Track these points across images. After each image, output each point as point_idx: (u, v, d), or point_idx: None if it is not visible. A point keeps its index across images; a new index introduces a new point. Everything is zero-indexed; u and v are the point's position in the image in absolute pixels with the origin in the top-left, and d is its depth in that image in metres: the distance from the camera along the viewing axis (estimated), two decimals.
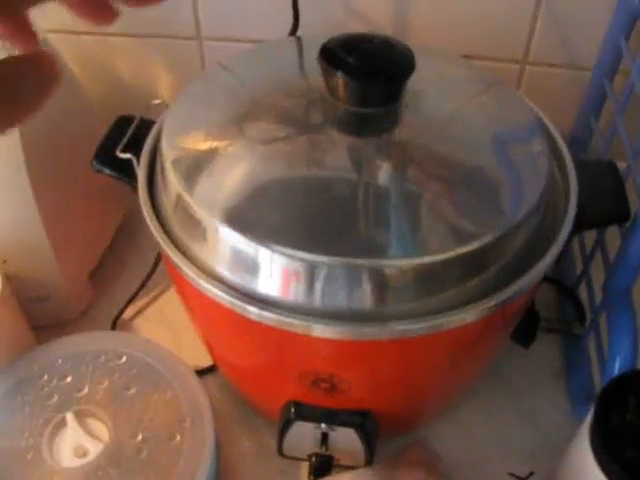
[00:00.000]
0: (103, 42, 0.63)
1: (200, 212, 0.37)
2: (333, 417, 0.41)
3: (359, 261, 0.34)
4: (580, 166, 0.43)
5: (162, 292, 0.59)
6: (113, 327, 0.56)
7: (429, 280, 0.35)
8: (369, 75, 0.38)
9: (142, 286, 0.58)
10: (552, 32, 0.55)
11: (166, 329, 0.56)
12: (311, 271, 0.34)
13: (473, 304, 0.35)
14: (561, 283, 0.56)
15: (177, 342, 0.54)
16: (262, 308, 0.35)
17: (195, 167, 0.39)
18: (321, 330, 0.34)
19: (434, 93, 0.43)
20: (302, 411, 0.42)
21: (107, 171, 0.44)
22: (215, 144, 0.40)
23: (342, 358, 0.38)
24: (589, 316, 0.52)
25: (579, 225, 0.41)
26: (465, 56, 0.57)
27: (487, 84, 0.46)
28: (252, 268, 0.35)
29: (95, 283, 0.59)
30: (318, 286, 0.34)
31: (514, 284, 0.36)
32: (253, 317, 0.35)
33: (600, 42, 0.53)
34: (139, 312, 0.58)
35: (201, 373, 0.52)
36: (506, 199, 0.38)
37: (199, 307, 0.41)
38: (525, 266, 0.37)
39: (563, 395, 0.53)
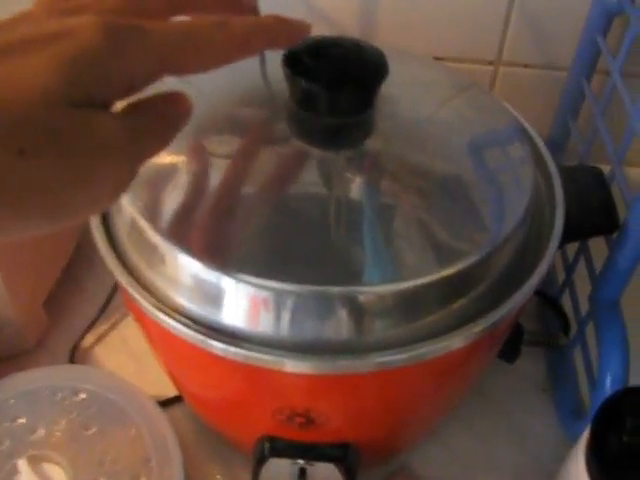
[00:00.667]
0: None
1: (156, 237, 0.33)
2: (311, 452, 0.38)
3: (333, 289, 0.31)
4: (563, 173, 0.41)
5: (123, 317, 0.55)
6: (72, 357, 0.52)
7: (410, 306, 0.32)
8: (338, 82, 0.35)
9: (101, 312, 0.54)
10: (526, 31, 0.53)
11: (128, 357, 0.52)
12: (281, 301, 0.31)
13: (459, 329, 0.33)
14: (543, 293, 0.54)
15: (140, 370, 0.50)
16: (228, 343, 0.31)
17: (150, 187, 0.35)
18: (294, 365, 0.31)
19: (407, 99, 0.41)
20: (277, 447, 0.38)
21: None
22: (172, 160, 0.36)
23: (318, 393, 0.35)
24: (574, 327, 0.50)
25: (565, 237, 0.39)
26: (436, 58, 0.55)
27: (461, 87, 0.43)
28: (216, 299, 0.32)
29: (50, 311, 0.55)
30: (289, 317, 0.31)
31: (502, 305, 0.34)
32: (218, 352, 0.32)
33: (576, 40, 0.50)
34: (99, 339, 0.55)
35: (168, 403, 0.48)
36: (490, 213, 0.36)
37: (159, 340, 0.38)
38: (512, 284, 0.35)
39: (550, 409, 0.50)
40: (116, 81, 0.22)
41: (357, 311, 0.31)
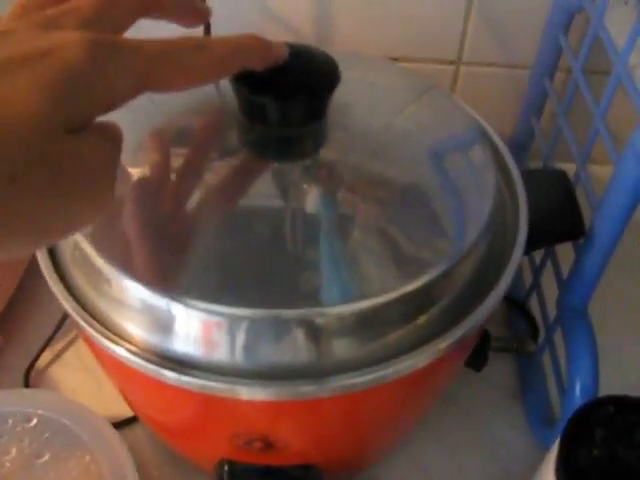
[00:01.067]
0: None
1: (99, 261, 0.31)
2: (272, 475, 0.37)
3: (288, 312, 0.29)
4: (526, 177, 0.40)
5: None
6: (27, 376, 0.50)
7: (371, 325, 0.31)
8: (287, 92, 0.33)
9: (57, 329, 0.52)
10: (487, 29, 0.52)
11: (86, 375, 0.50)
12: (233, 326, 0.29)
13: (424, 347, 0.31)
14: (510, 297, 0.53)
15: (98, 389, 0.49)
16: (180, 372, 0.30)
17: None
18: (249, 392, 0.30)
19: (362, 105, 0.39)
20: (236, 470, 0.37)
21: None
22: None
23: (276, 418, 0.33)
24: (543, 332, 0.49)
25: (529, 245, 0.38)
26: (395, 59, 0.54)
27: (420, 90, 0.42)
28: (165, 325, 0.30)
29: (4, 329, 0.53)
30: (242, 342, 0.30)
31: (468, 319, 0.32)
32: (170, 381, 0.30)
33: (538, 38, 0.49)
34: (56, 358, 0.52)
35: (127, 422, 0.47)
36: (452, 222, 0.34)
37: (110, 365, 0.36)
38: (477, 294, 0.34)
39: (520, 416, 0.49)
40: (99, 100, 0.22)
41: (315, 333, 0.30)
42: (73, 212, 0.22)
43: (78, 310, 0.32)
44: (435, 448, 0.48)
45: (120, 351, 0.31)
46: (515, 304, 0.52)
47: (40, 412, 0.42)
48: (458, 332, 0.32)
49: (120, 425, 0.46)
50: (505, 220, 0.38)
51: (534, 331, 0.50)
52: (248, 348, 0.30)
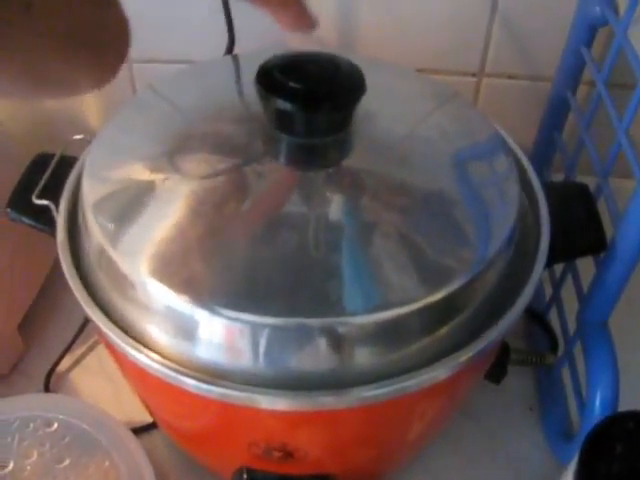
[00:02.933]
0: None
1: (125, 267, 0.32)
2: None
3: (311, 321, 0.29)
4: (547, 189, 0.40)
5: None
6: (47, 381, 0.51)
7: (393, 336, 0.31)
8: (313, 102, 0.34)
9: (78, 334, 0.52)
10: (509, 42, 0.52)
11: (106, 381, 0.51)
12: (256, 334, 0.30)
13: (444, 359, 0.31)
14: (531, 310, 0.52)
15: (118, 394, 0.49)
16: (201, 380, 0.30)
17: (120, 212, 0.34)
18: (269, 401, 0.30)
19: (386, 113, 0.39)
20: (256, 478, 0.37)
21: (24, 220, 0.39)
22: (143, 183, 0.35)
23: (296, 428, 0.33)
24: (562, 345, 0.48)
25: (550, 259, 0.37)
26: (419, 70, 0.54)
27: (443, 99, 0.42)
28: (189, 332, 0.31)
29: (26, 334, 0.53)
30: (264, 350, 0.30)
31: (489, 332, 0.32)
32: (191, 389, 0.30)
33: (560, 51, 0.49)
34: (76, 363, 0.53)
35: (147, 429, 0.47)
36: (476, 232, 0.34)
37: (131, 372, 0.36)
38: (498, 307, 0.34)
39: (538, 429, 0.49)
40: None
41: (337, 343, 0.30)
42: (78, 65, 0.22)
43: (100, 316, 0.33)
44: (451, 459, 0.47)
45: (142, 358, 0.31)
46: (535, 317, 0.52)
47: (61, 417, 0.43)
48: (479, 345, 0.32)
49: (139, 431, 0.46)
50: (526, 232, 0.38)
51: (554, 344, 0.50)
52: (270, 356, 0.30)
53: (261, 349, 0.30)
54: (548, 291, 0.52)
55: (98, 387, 0.51)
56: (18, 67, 0.21)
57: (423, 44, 0.53)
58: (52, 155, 0.41)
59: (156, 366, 0.31)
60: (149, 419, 0.47)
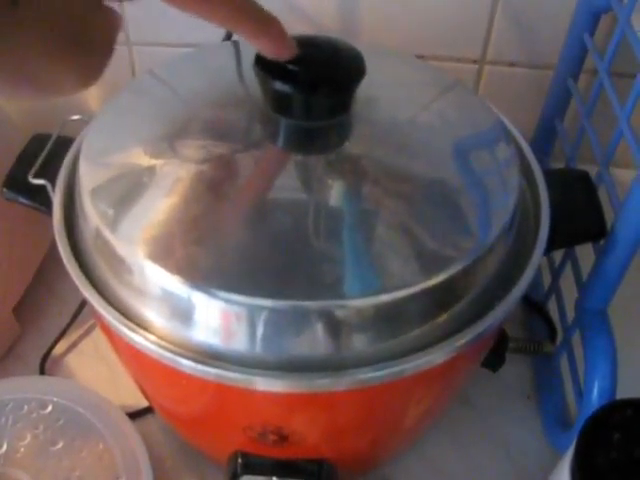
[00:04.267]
0: None
1: (122, 250, 0.32)
2: (285, 469, 0.37)
3: (308, 303, 0.29)
4: (548, 177, 0.39)
5: (96, 323, 0.53)
6: (43, 364, 0.51)
7: (391, 320, 0.30)
8: (313, 84, 0.33)
9: (74, 318, 0.52)
10: (511, 29, 0.52)
11: (101, 365, 0.51)
12: (252, 316, 0.29)
13: (441, 343, 0.31)
14: (529, 298, 0.52)
15: (113, 379, 0.49)
16: (196, 361, 0.30)
17: (117, 195, 0.34)
18: (264, 383, 0.30)
19: (387, 99, 0.39)
20: (250, 463, 0.37)
21: (21, 200, 0.39)
22: (141, 166, 0.35)
23: (290, 411, 0.33)
24: (560, 334, 0.48)
25: (550, 244, 0.37)
26: (419, 56, 0.54)
27: (444, 86, 0.42)
28: (185, 314, 0.30)
29: (21, 317, 0.53)
30: (261, 333, 0.30)
31: (486, 318, 0.32)
32: (187, 370, 0.30)
33: (563, 38, 0.49)
34: (72, 346, 0.53)
35: (142, 413, 0.47)
36: (475, 218, 0.34)
37: (126, 354, 0.36)
38: (496, 293, 0.33)
39: (535, 417, 0.49)
40: None
41: (334, 326, 0.30)
42: (63, 65, 0.22)
43: (96, 297, 0.32)
44: (448, 448, 0.47)
45: (137, 338, 0.31)
46: (533, 305, 0.52)
47: (55, 399, 0.42)
48: (476, 330, 0.32)
49: (134, 415, 0.46)
50: (526, 219, 0.38)
51: (552, 333, 0.50)
52: (266, 338, 0.30)
53: (257, 332, 0.30)
54: (547, 280, 0.52)
55: (94, 371, 0.51)
56: (1, 64, 0.20)
57: (425, 30, 0.52)
58: (49, 135, 0.41)
59: (152, 347, 0.30)
60: (145, 403, 0.47)
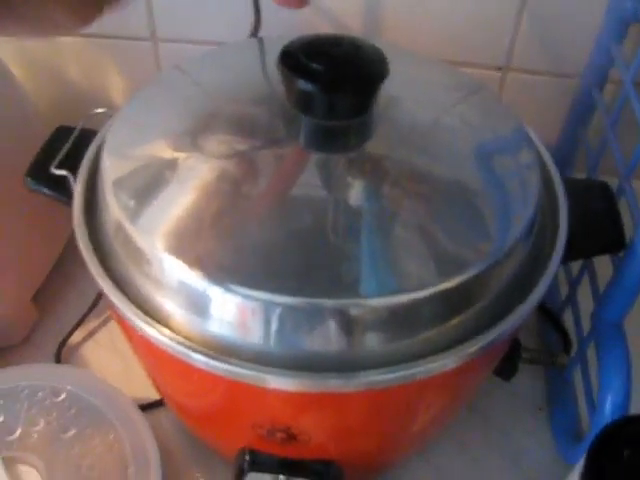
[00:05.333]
0: (50, 43, 0.58)
1: (142, 241, 0.32)
2: (292, 468, 0.37)
3: (323, 301, 0.29)
4: (568, 186, 0.39)
5: None
6: (59, 353, 0.51)
7: (404, 322, 0.30)
8: (335, 84, 0.33)
9: (91, 309, 0.53)
10: (537, 37, 0.51)
11: (116, 356, 0.51)
12: (268, 313, 0.29)
13: (454, 348, 0.31)
14: (545, 308, 0.52)
15: (127, 370, 0.49)
16: (208, 356, 0.30)
17: (139, 187, 0.34)
18: (276, 381, 0.30)
19: (411, 100, 0.39)
20: (257, 460, 0.37)
21: (42, 190, 0.39)
22: (164, 159, 0.35)
23: (300, 410, 0.33)
24: (575, 345, 0.48)
25: (568, 255, 0.37)
26: (443, 61, 0.53)
27: (468, 89, 0.41)
28: (201, 308, 0.31)
29: (40, 305, 0.54)
30: (275, 329, 0.30)
31: (499, 325, 0.32)
32: (198, 365, 0.30)
33: (589, 48, 0.49)
34: (88, 336, 0.53)
35: (153, 406, 0.47)
36: (494, 222, 0.34)
37: (140, 347, 0.36)
38: (511, 301, 0.33)
39: (546, 430, 0.49)
40: None
41: (348, 325, 0.30)
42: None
43: (111, 288, 0.33)
44: (457, 456, 0.47)
45: (151, 332, 0.31)
46: (549, 316, 0.52)
47: (69, 388, 0.43)
48: (489, 337, 0.32)
49: (146, 408, 0.46)
50: (544, 227, 0.37)
51: (567, 345, 0.49)
52: (281, 335, 0.30)
53: (272, 328, 0.30)
54: (564, 290, 0.51)
55: (108, 362, 0.51)
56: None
57: (449, 35, 0.52)
58: (73, 128, 0.41)
59: (164, 339, 0.31)
60: (157, 396, 0.47)
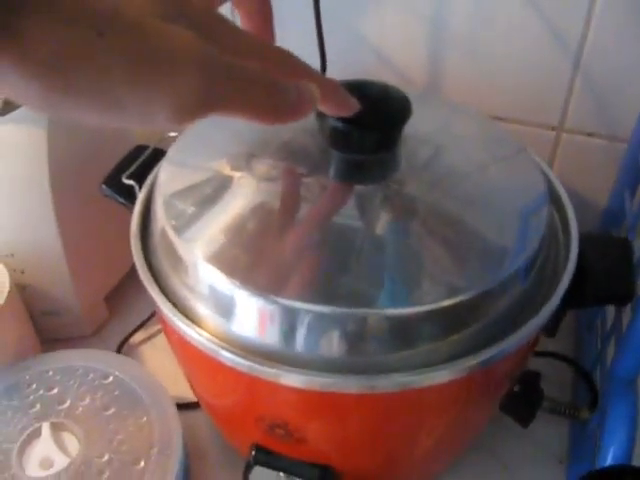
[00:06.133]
0: None
1: (181, 249, 0.37)
2: (291, 467, 0.40)
3: (344, 310, 0.33)
4: (589, 239, 0.41)
5: None
6: (120, 348, 0.58)
7: (407, 334, 0.34)
8: (361, 122, 0.38)
9: (154, 313, 0.59)
10: (590, 99, 0.53)
11: (169, 358, 0.55)
12: (289, 318, 0.34)
13: (447, 363, 0.34)
14: (577, 364, 0.52)
15: (176, 372, 0.54)
16: (212, 342, 0.34)
17: (184, 201, 0.39)
18: (268, 374, 0.34)
19: (437, 144, 0.42)
20: (262, 456, 0.40)
21: (114, 196, 0.46)
22: (212, 178, 0.40)
23: (295, 408, 0.37)
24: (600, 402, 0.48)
25: (577, 300, 0.39)
26: (499, 118, 0.56)
27: (508, 149, 0.44)
28: (230, 310, 0.35)
29: (112, 305, 0.61)
30: (280, 330, 0.34)
31: (495, 346, 0.34)
32: (199, 347, 0.35)
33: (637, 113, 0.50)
34: (149, 338, 0.59)
35: (190, 407, 0.52)
36: (495, 256, 0.37)
37: (175, 343, 0.41)
38: (512, 327, 0.36)
39: None
40: None
41: (358, 333, 0.33)
42: (144, 92, 0.23)
43: (155, 289, 0.38)
44: None
45: (189, 331, 0.36)
46: (580, 371, 0.52)
47: (117, 373, 0.48)
48: (482, 355, 0.34)
49: (183, 407, 0.51)
50: (556, 274, 0.39)
51: (593, 400, 0.49)
52: (293, 338, 0.34)
53: (289, 331, 0.34)
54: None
55: (161, 362, 0.56)
56: (86, 88, 0.22)
57: (505, 93, 0.55)
58: (148, 147, 0.48)
59: (199, 338, 0.35)
60: (194, 399, 0.52)
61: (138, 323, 0.59)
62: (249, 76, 0.26)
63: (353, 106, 0.35)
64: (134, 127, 0.25)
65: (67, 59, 0.21)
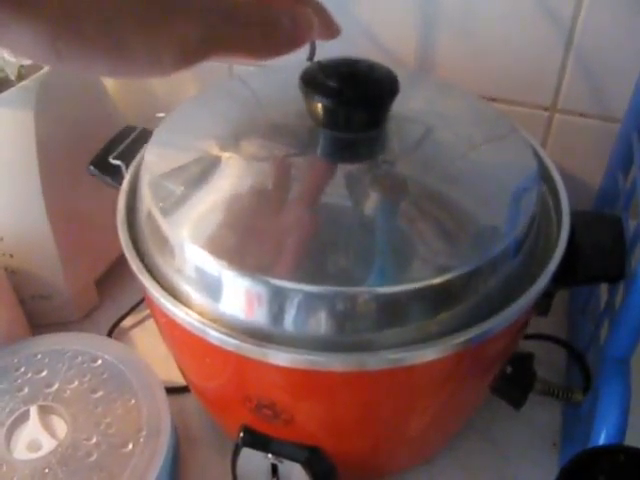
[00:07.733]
0: None
1: (166, 229, 0.36)
2: (279, 448, 0.40)
3: (320, 288, 0.33)
4: (581, 216, 0.40)
5: None
6: (110, 332, 0.57)
7: (395, 312, 0.33)
8: (347, 100, 0.37)
9: (144, 298, 0.58)
10: (583, 80, 0.52)
11: (159, 342, 0.55)
12: (277, 297, 0.33)
13: (436, 340, 0.33)
14: (570, 346, 0.52)
15: (167, 357, 0.53)
16: (196, 320, 0.34)
17: (170, 181, 0.38)
18: (255, 352, 0.33)
19: (430, 125, 0.42)
20: (250, 438, 0.40)
21: (102, 177, 0.45)
22: (195, 159, 0.40)
23: (282, 385, 0.36)
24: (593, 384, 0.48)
25: (568, 278, 0.38)
26: (492, 99, 0.56)
27: (499, 128, 0.44)
28: (216, 289, 0.35)
29: (103, 289, 0.60)
30: (277, 312, 0.33)
31: (484, 323, 0.34)
32: (187, 327, 0.34)
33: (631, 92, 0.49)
34: (140, 322, 0.59)
35: (179, 390, 0.51)
36: (484, 235, 0.36)
37: (162, 324, 0.41)
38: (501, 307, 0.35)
39: (555, 466, 0.48)
40: None
41: (345, 311, 0.33)
42: (154, 37, 0.24)
43: (143, 271, 0.38)
44: (461, 476, 0.48)
45: (178, 312, 0.35)
46: (573, 354, 0.52)
47: (105, 357, 0.48)
48: (468, 334, 0.34)
49: (173, 391, 0.50)
50: (547, 250, 0.39)
51: (587, 383, 0.49)
52: (281, 317, 0.33)
53: (276, 310, 0.33)
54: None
55: (151, 346, 0.56)
56: (98, 40, 0.23)
57: (498, 74, 0.55)
58: (136, 127, 0.47)
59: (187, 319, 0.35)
60: (184, 383, 0.51)
61: (128, 307, 0.59)
62: (245, 18, 0.27)
63: (336, 30, 0.34)
64: (142, 76, 0.25)
65: (76, 7, 0.22)
